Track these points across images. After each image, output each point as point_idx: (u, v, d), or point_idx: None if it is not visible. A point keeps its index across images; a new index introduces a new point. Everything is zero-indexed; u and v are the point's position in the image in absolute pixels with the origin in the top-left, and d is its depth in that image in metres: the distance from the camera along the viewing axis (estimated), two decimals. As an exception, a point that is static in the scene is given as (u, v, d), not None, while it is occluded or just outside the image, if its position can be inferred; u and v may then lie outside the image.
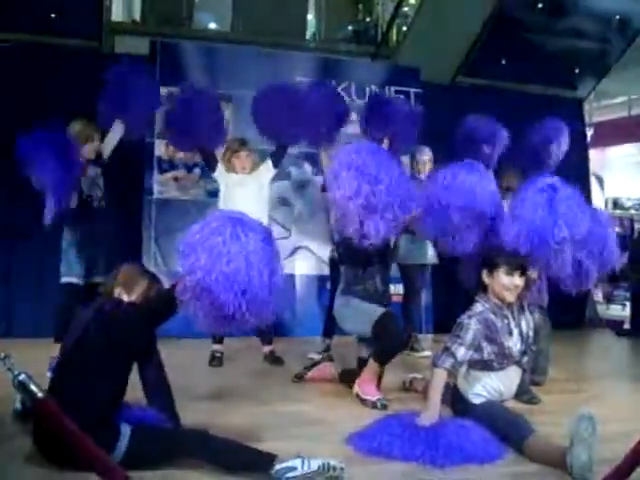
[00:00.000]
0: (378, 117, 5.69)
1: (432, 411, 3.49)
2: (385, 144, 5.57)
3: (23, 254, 6.50)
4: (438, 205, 3.97)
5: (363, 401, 4.24)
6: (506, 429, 3.43)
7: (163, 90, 5.61)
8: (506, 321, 3.69)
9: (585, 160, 8.82)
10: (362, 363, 4.51)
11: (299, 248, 7.09)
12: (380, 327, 4.26)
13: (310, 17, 10.21)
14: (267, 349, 5.57)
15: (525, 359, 3.77)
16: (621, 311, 9.89)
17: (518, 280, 3.67)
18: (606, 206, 12.10)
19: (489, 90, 8.10)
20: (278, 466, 2.87)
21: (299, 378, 4.90)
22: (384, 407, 4.13)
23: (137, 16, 9.52)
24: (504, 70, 8.24)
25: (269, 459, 2.91)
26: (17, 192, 6.30)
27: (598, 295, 9.74)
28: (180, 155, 6.68)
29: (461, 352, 3.53)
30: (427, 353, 6.10)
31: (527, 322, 3.79)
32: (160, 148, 6.76)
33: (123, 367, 3.10)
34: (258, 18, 8.67)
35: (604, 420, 3.18)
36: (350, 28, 10.49)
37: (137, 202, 6.71)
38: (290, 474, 2.85)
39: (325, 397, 4.51)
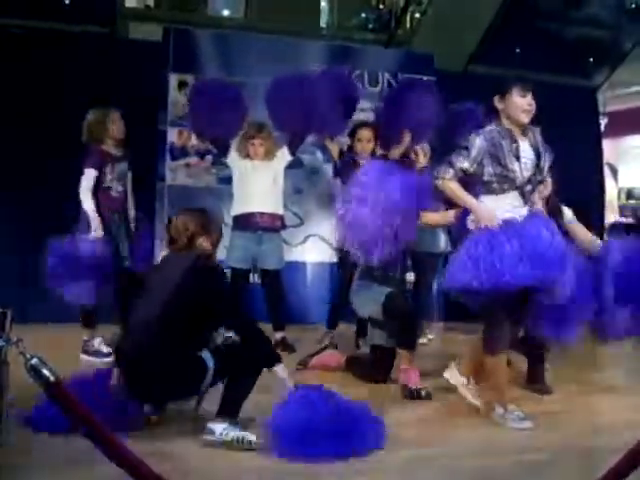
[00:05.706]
0: (397, 108, 5.56)
1: (478, 208, 3.65)
2: (407, 137, 5.52)
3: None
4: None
5: (405, 388, 4.16)
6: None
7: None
8: (515, 145, 3.68)
9: (599, 150, 8.76)
10: (375, 349, 4.51)
11: (310, 236, 7.09)
12: (389, 306, 4.28)
13: (323, 4, 10.18)
14: (279, 336, 5.55)
15: (528, 188, 3.74)
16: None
17: (530, 99, 3.75)
18: (620, 197, 12.05)
19: (502, 78, 8.03)
20: (210, 425, 3.14)
21: (303, 365, 4.88)
22: (428, 396, 4.08)
23: (151, 2, 9.52)
24: (517, 58, 8.16)
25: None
26: (37, 182, 6.36)
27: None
28: (192, 142, 6.68)
29: (464, 164, 3.63)
30: (425, 340, 6.09)
31: (544, 156, 3.76)
32: (173, 135, 6.76)
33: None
34: (271, 5, 8.66)
35: (616, 409, 3.18)
36: (363, 15, 10.44)
37: (150, 188, 6.71)
38: (207, 436, 3.14)
39: (336, 384, 4.48)
